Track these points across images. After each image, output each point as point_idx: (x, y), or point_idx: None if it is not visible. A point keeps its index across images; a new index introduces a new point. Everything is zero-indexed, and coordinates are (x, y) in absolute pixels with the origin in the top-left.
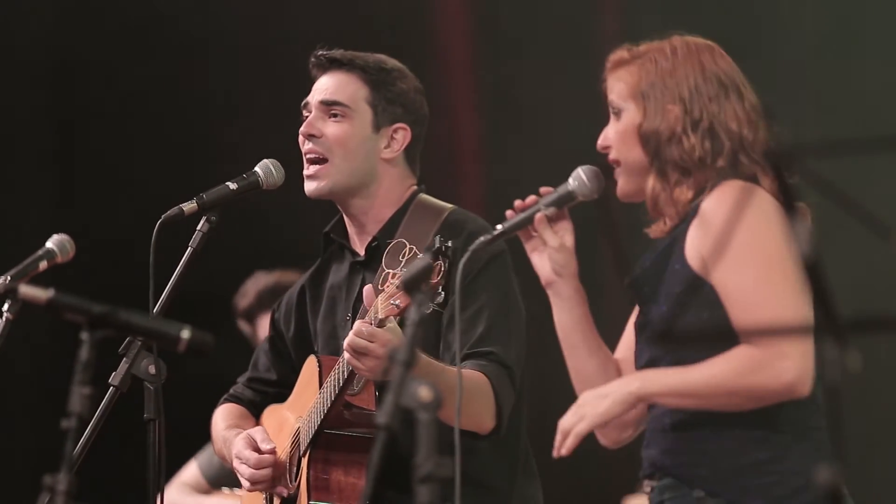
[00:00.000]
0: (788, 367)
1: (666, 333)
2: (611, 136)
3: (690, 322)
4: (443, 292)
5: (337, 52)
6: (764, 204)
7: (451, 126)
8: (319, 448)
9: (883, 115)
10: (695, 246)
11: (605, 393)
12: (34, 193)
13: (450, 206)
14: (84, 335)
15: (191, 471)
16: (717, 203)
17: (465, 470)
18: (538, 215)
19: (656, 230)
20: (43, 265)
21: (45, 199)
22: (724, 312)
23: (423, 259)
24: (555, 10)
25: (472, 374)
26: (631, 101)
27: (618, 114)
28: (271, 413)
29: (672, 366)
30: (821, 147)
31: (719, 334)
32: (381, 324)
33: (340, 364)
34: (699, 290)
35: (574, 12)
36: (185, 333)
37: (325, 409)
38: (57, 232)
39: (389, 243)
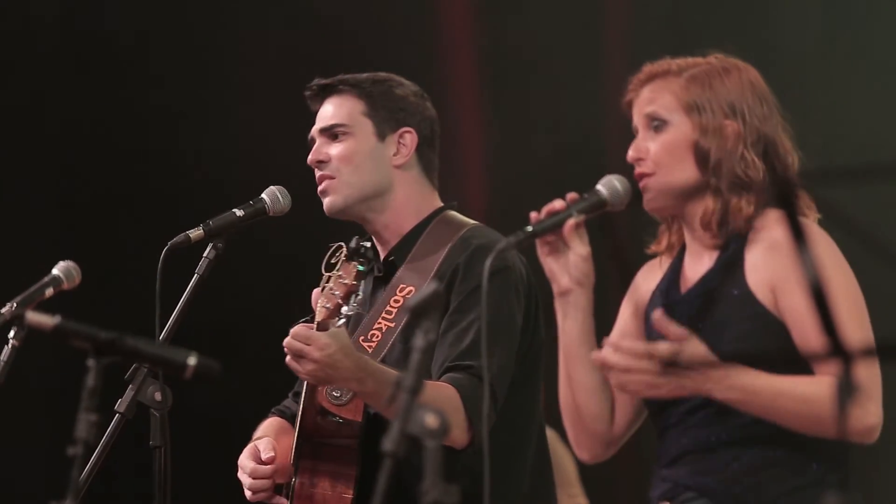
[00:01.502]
0: (873, 411)
1: (730, 358)
2: (651, 148)
3: (751, 348)
4: (360, 293)
5: (326, 79)
6: (825, 235)
7: (455, 140)
8: (305, 458)
9: (886, 143)
10: (762, 275)
11: (702, 376)
12: (40, 219)
13: (472, 222)
14: (90, 362)
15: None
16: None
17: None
18: (571, 221)
19: (660, 247)
20: (49, 292)
21: (51, 225)
22: (788, 341)
23: (431, 285)
24: (562, 33)
25: (437, 386)
26: (682, 113)
27: (660, 126)
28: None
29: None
30: (830, 175)
31: (786, 362)
32: (320, 326)
33: None
34: (761, 318)
35: (581, 37)
36: (192, 360)
37: (300, 417)
38: (63, 258)
39: (406, 256)
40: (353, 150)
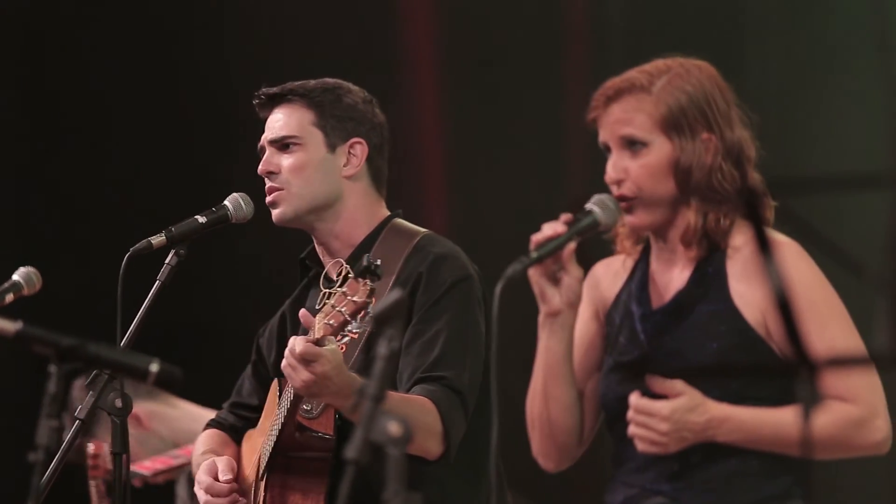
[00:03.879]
0: (881, 426)
1: (711, 370)
2: (631, 169)
3: (732, 362)
4: (370, 311)
5: (275, 88)
6: (799, 248)
7: (416, 148)
8: (276, 472)
9: (850, 153)
10: (752, 294)
11: (702, 422)
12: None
13: (423, 230)
14: (52, 368)
15: None
16: (786, 256)
17: (428, 498)
18: (571, 245)
19: (625, 249)
20: (9, 297)
21: (10, 231)
22: (770, 357)
23: (394, 293)
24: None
25: (414, 399)
26: (659, 133)
27: (639, 147)
28: (248, 438)
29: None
30: (792, 184)
31: (771, 370)
32: (318, 342)
33: (290, 385)
34: (743, 333)
35: (541, 40)
36: (154, 367)
37: (278, 431)
38: (23, 264)
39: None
40: (303, 162)
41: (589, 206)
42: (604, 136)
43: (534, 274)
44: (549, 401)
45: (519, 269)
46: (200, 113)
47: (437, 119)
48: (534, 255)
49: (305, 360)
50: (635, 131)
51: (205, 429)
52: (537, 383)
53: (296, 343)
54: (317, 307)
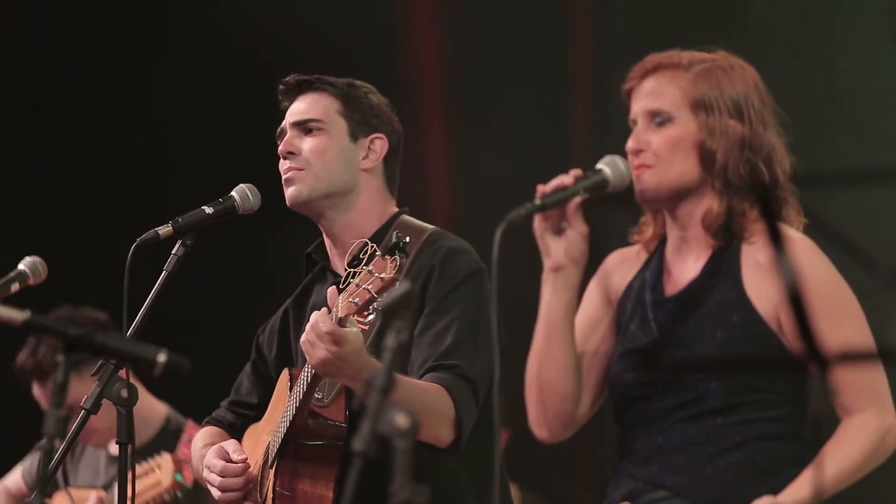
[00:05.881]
0: (891, 422)
1: (718, 362)
2: (653, 141)
3: (741, 353)
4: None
5: (304, 76)
6: (813, 245)
7: (420, 144)
8: (287, 458)
9: (864, 147)
10: (766, 289)
11: None
12: (3, 214)
13: (431, 226)
14: (60, 357)
15: (13, 477)
16: (800, 253)
17: (433, 487)
18: (577, 199)
19: (643, 238)
20: (15, 287)
21: (17, 220)
22: (780, 351)
23: (403, 286)
24: (527, 37)
25: (427, 386)
26: (688, 110)
27: (665, 121)
28: (249, 434)
29: (723, 394)
30: (805, 179)
31: (779, 363)
32: (341, 322)
33: (306, 371)
34: (754, 325)
35: (546, 40)
36: (162, 357)
37: (291, 417)
38: (30, 254)
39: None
40: (325, 146)
41: (600, 164)
42: (634, 109)
43: (539, 227)
44: (546, 361)
45: (522, 214)
46: (208, 105)
47: (441, 116)
48: (538, 202)
49: (328, 338)
50: (664, 105)
51: (202, 426)
52: (537, 343)
53: (320, 320)
54: (341, 286)
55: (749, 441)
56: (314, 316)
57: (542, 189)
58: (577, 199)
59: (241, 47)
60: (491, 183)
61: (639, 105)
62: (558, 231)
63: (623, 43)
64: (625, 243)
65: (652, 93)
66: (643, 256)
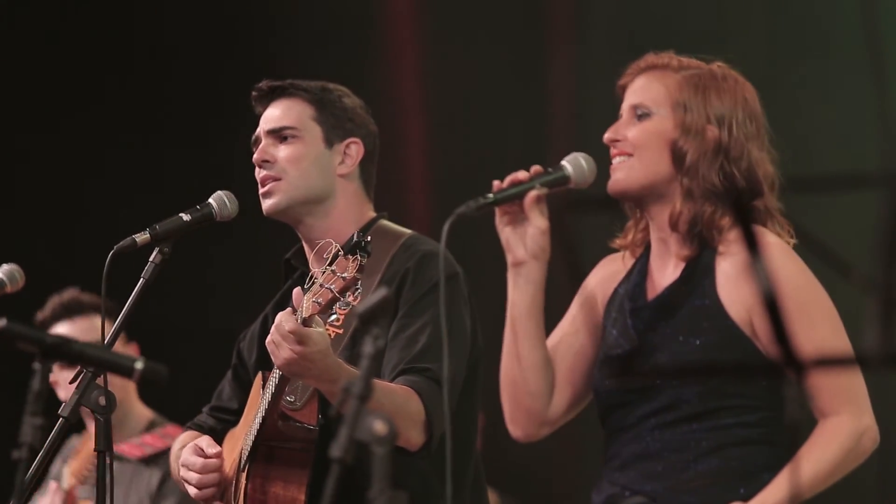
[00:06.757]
0: (871, 425)
1: (693, 368)
2: (630, 133)
3: (716, 359)
4: (360, 287)
5: (277, 81)
6: (788, 249)
7: (397, 147)
8: (259, 461)
9: (838, 152)
10: (738, 293)
11: None
12: None
13: (408, 231)
14: (36, 365)
15: None
16: (775, 257)
17: (411, 492)
18: (532, 193)
19: (625, 242)
20: None
21: None
22: (755, 356)
23: (380, 292)
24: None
25: (397, 389)
26: (667, 107)
27: (644, 116)
28: (228, 438)
29: (698, 400)
30: (780, 183)
31: (755, 369)
32: (305, 322)
33: (274, 373)
34: (728, 330)
35: (524, 45)
36: (139, 364)
37: (261, 419)
38: (5, 261)
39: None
40: (300, 154)
41: (563, 161)
42: (623, 105)
43: (499, 222)
44: (514, 358)
45: (473, 208)
46: (187, 110)
47: (420, 119)
48: (490, 196)
49: (291, 338)
50: (646, 100)
51: (184, 430)
52: (507, 341)
53: (283, 320)
54: (305, 287)
55: (725, 446)
56: (279, 316)
57: (498, 184)
58: (534, 194)
59: (217, 51)
60: (469, 188)
61: (627, 101)
62: (518, 226)
63: (602, 54)
64: (611, 250)
65: (640, 89)
66: (629, 262)
